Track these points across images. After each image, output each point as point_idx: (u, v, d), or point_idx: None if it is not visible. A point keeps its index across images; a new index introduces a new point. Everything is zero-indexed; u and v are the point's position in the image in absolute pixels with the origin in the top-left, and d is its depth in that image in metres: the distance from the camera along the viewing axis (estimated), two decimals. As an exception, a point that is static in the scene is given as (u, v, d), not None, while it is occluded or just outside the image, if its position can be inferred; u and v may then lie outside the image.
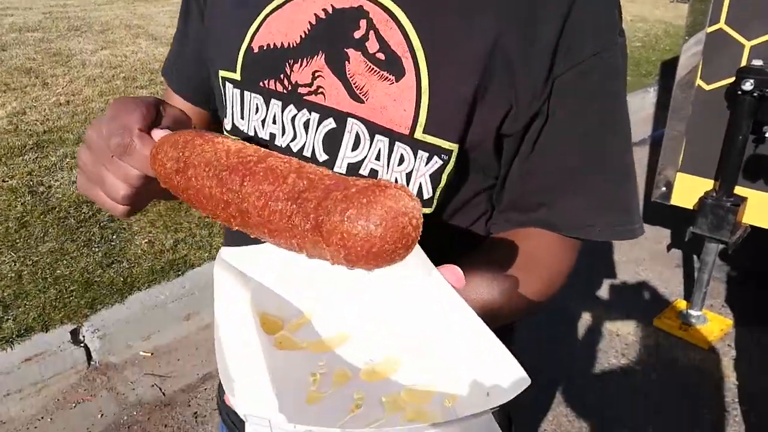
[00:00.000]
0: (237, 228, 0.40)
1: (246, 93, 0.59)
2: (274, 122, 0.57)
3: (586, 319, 2.57)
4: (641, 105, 5.19)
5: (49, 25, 6.65)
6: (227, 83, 0.61)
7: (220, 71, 0.62)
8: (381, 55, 0.52)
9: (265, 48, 0.57)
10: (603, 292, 2.77)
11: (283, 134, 0.57)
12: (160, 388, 2.14)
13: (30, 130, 3.68)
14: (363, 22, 0.52)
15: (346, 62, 0.53)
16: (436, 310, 0.38)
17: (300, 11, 0.55)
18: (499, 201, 0.60)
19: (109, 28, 6.66)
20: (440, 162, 0.53)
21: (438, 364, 0.38)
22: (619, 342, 2.43)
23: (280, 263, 0.43)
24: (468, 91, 0.51)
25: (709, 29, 2.11)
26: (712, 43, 2.10)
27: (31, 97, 4.24)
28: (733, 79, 2.02)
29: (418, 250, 0.37)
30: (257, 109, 0.58)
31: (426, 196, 0.55)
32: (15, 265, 2.51)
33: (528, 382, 0.34)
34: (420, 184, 0.54)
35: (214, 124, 0.74)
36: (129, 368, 2.21)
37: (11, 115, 3.88)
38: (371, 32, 0.52)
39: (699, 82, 2.22)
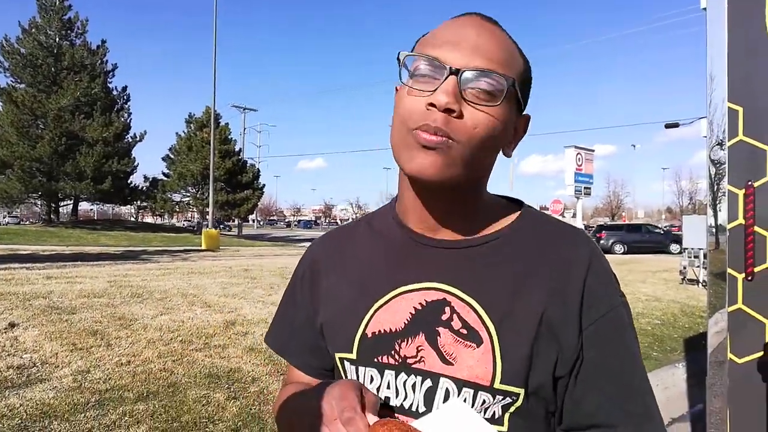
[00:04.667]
0: None
1: (361, 368, 0.78)
2: (388, 387, 0.76)
3: None
4: (672, 381, 5.26)
5: (114, 292, 7.34)
6: (345, 362, 0.80)
7: (336, 354, 0.81)
8: (464, 330, 0.73)
9: (377, 333, 0.77)
10: None
11: (396, 396, 0.75)
12: None
13: (93, 387, 3.88)
14: (447, 309, 0.75)
15: (438, 337, 0.74)
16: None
17: (401, 306, 0.77)
18: (559, 424, 0.77)
19: (168, 296, 7.31)
20: (510, 400, 0.72)
21: None
22: None
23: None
24: (527, 351, 0.71)
25: (730, 309, 2.41)
26: (735, 321, 2.36)
27: (96, 357, 4.55)
28: (761, 353, 2.24)
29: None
30: (372, 379, 0.77)
31: (497, 416, 0.73)
32: None
33: None
34: (494, 411, 0.72)
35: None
36: None
37: (76, 373, 4.13)
38: (454, 315, 0.74)
39: (731, 356, 2.44)
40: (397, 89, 0.77)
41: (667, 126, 24.43)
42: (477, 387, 0.72)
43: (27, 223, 47.77)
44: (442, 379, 0.73)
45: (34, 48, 31.23)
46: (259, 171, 43.02)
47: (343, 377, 0.81)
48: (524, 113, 0.79)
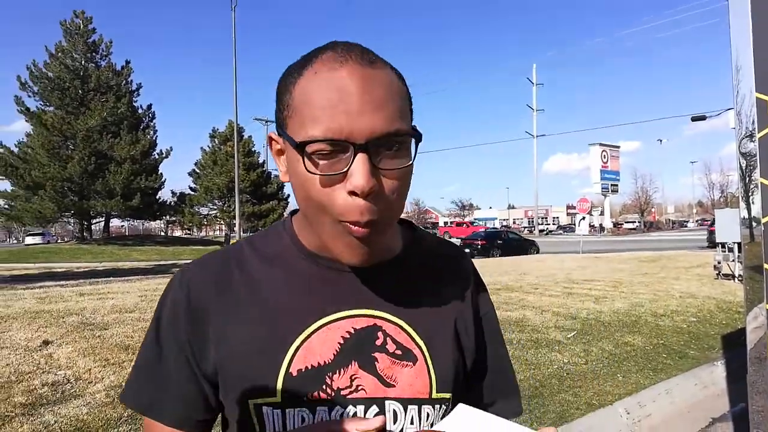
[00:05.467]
0: None
1: (288, 410, 0.71)
2: None
3: None
4: (711, 379, 5.11)
5: (145, 306, 7.45)
6: (264, 408, 0.71)
7: (250, 401, 0.72)
8: (399, 351, 0.75)
9: (303, 370, 0.71)
10: None
11: None
12: None
13: (126, 402, 3.92)
14: (380, 333, 0.75)
15: (376, 362, 0.74)
16: None
17: (328, 337, 0.73)
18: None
19: (197, 308, 7.36)
20: (445, 407, 0.78)
21: None
22: None
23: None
24: (452, 359, 0.80)
25: (768, 306, 2.32)
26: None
27: (128, 372, 4.58)
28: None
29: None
30: (303, 419, 0.71)
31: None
32: None
33: None
34: (432, 421, 0.77)
35: None
36: None
37: (109, 389, 4.18)
38: (388, 338, 0.75)
39: (771, 355, 2.35)
40: (273, 139, 0.74)
41: (694, 119, 23.92)
42: (420, 402, 0.75)
43: (60, 241, 48.94)
44: (387, 402, 0.73)
45: (61, 71, 32.17)
46: (284, 184, 43.42)
47: (257, 426, 0.73)
48: None
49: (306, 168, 0.64)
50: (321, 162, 0.64)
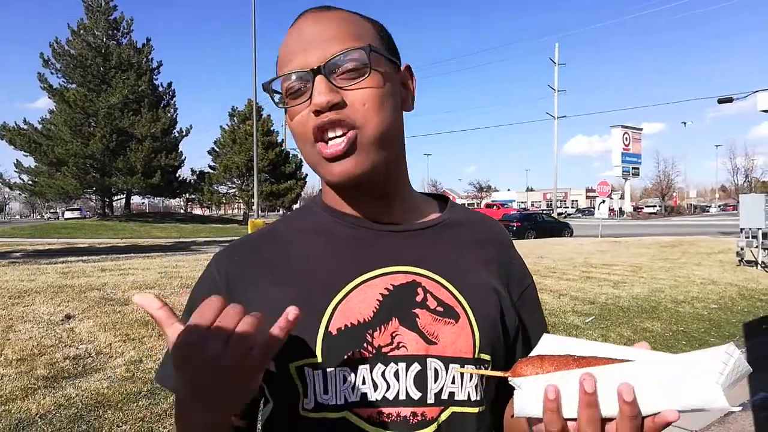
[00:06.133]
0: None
1: (329, 370, 0.70)
2: (364, 383, 0.70)
3: None
4: (732, 367, 5.03)
5: (165, 283, 7.56)
6: (305, 369, 0.70)
7: (291, 364, 0.71)
8: (440, 308, 0.74)
9: (343, 329, 0.71)
10: None
11: (375, 390, 0.70)
12: None
13: (145, 377, 3.99)
14: (420, 290, 0.74)
15: (417, 319, 0.73)
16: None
17: (366, 295, 0.73)
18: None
19: (215, 286, 7.45)
20: (485, 369, 0.75)
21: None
22: None
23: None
24: (495, 320, 0.78)
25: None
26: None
27: (147, 347, 4.68)
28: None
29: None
30: (344, 379, 0.69)
31: (477, 386, 0.75)
32: None
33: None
34: (476, 382, 0.75)
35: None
36: None
37: (129, 363, 4.26)
38: (428, 295, 0.74)
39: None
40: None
41: (721, 101, 23.26)
42: (462, 361, 0.73)
43: (88, 215, 50.18)
44: (429, 360, 0.71)
45: (83, 49, 32.40)
46: (301, 161, 43.47)
47: (298, 390, 0.72)
48: (403, 64, 0.81)
49: (278, 103, 0.74)
50: (292, 101, 0.72)
